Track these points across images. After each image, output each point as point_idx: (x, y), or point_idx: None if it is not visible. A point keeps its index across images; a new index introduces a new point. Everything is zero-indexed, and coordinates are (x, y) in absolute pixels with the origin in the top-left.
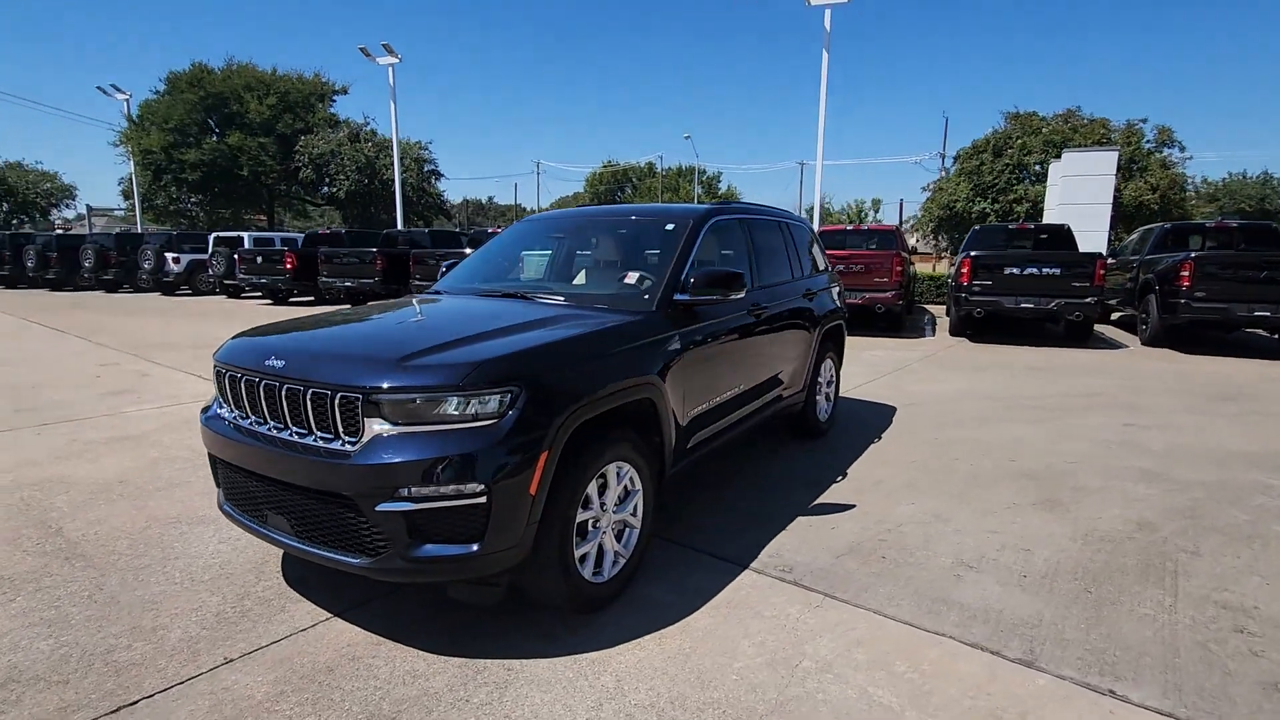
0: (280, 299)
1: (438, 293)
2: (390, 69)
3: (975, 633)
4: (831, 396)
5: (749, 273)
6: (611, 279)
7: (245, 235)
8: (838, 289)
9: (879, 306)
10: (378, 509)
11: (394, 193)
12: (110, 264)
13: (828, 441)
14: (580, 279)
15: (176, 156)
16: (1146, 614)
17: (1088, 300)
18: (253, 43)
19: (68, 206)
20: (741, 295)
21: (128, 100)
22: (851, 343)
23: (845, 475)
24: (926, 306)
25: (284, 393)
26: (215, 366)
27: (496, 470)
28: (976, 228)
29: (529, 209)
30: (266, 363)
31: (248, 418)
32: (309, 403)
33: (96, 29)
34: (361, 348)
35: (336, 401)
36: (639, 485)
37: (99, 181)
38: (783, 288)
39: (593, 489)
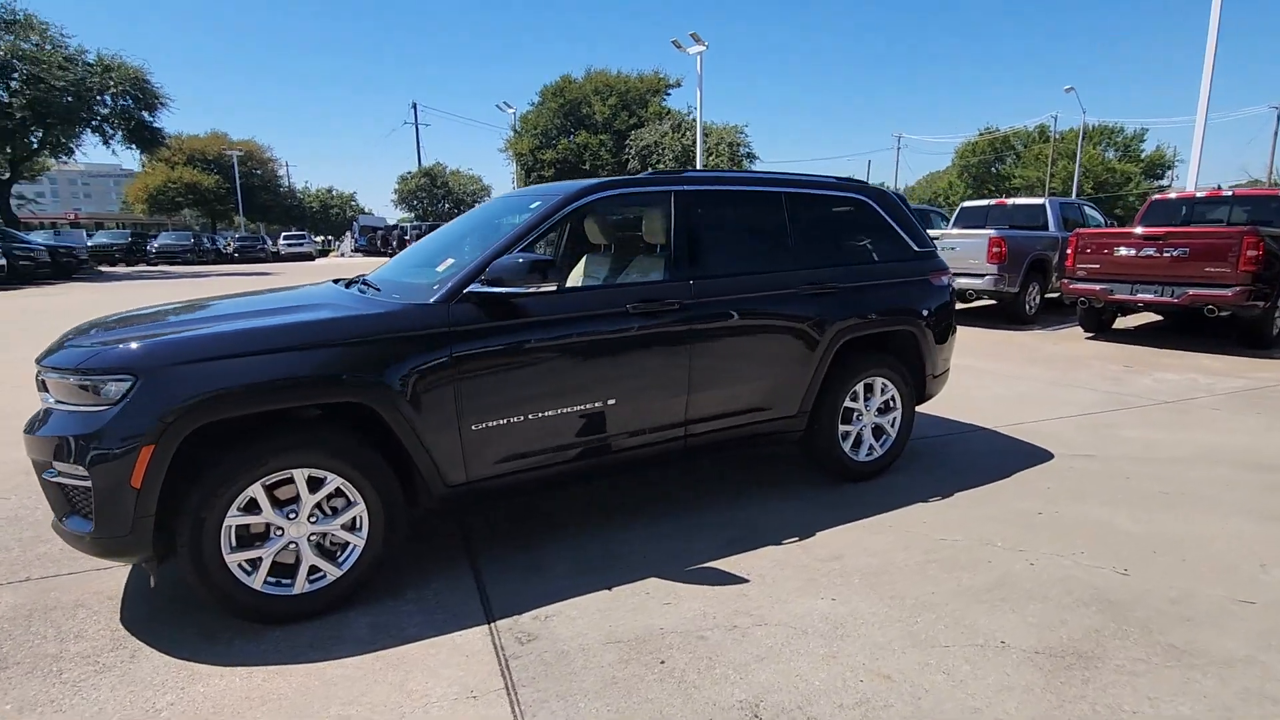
0: None
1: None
2: (699, 57)
3: None
4: (890, 429)
5: (669, 261)
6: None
7: None
8: (931, 289)
9: (1210, 309)
10: (43, 476)
11: None
12: None
13: (854, 489)
14: (439, 266)
15: (539, 157)
16: None
17: None
18: (612, 50)
19: (485, 201)
20: (552, 288)
21: (513, 113)
22: (1148, 358)
23: (805, 539)
24: None
25: None
26: None
27: (95, 456)
28: None
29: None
30: None
31: None
32: None
33: (507, 58)
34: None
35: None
36: (359, 500)
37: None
38: (751, 280)
39: (258, 492)
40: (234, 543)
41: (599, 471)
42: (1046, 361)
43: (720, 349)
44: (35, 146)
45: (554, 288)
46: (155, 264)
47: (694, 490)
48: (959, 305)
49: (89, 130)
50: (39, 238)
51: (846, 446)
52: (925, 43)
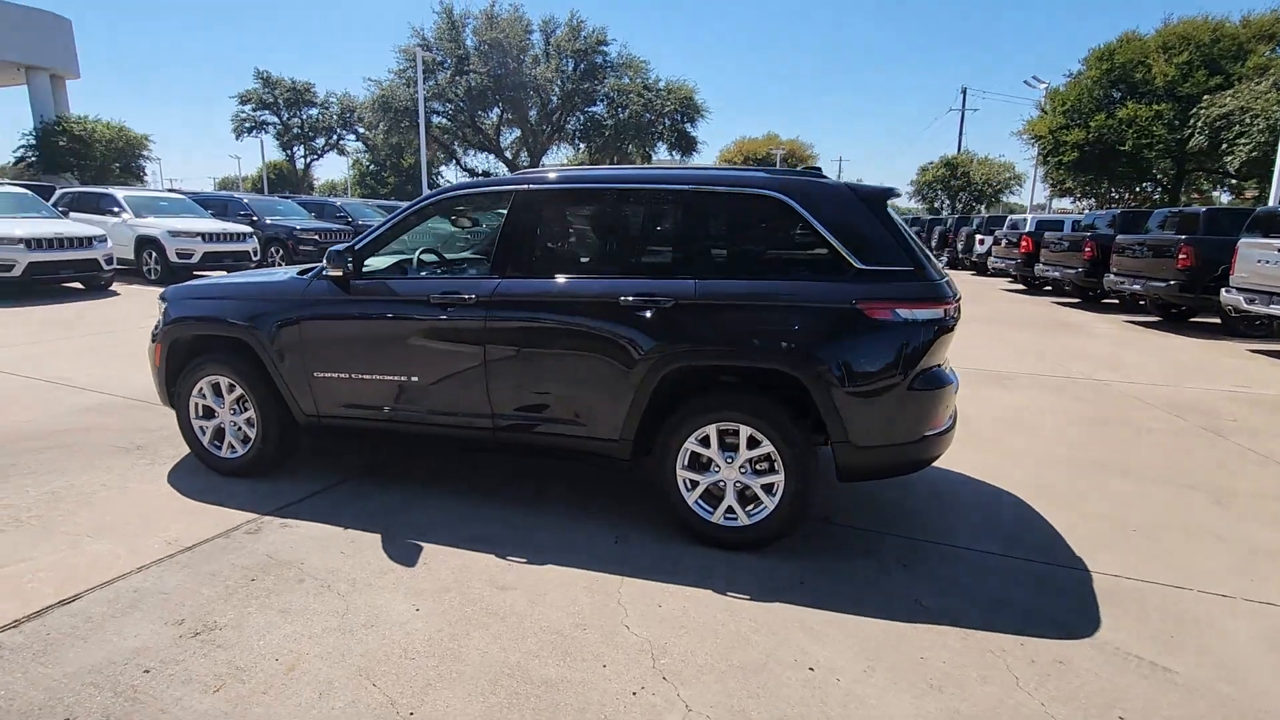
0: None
1: None
2: None
3: None
4: (765, 498)
5: (491, 259)
6: None
7: (1066, 219)
8: (860, 323)
9: None
10: None
11: None
12: (947, 244)
13: (676, 547)
14: None
15: (1060, 138)
16: None
17: None
18: None
19: (1014, 193)
20: (338, 274)
21: (1045, 88)
22: None
23: (529, 564)
24: None
25: None
26: None
27: (151, 338)
28: None
29: None
30: None
31: None
32: None
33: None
34: None
35: None
36: (252, 402)
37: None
38: (558, 285)
39: (206, 387)
40: (199, 414)
41: (419, 437)
42: None
43: (516, 352)
44: (627, 152)
45: (339, 274)
46: None
47: (531, 487)
48: None
49: (656, 139)
50: None
51: (691, 499)
52: None
